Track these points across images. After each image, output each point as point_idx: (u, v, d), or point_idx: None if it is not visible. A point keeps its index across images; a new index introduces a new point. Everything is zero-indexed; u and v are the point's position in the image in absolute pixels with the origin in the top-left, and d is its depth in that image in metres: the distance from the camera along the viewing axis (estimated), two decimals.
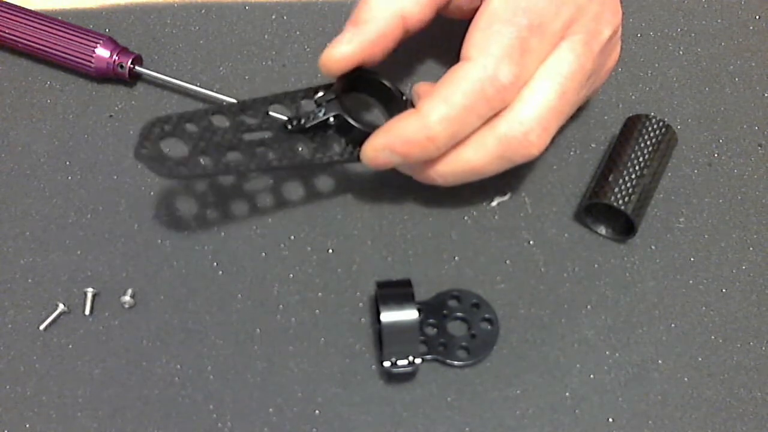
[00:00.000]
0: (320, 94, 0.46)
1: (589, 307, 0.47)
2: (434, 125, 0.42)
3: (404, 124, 0.43)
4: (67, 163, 0.51)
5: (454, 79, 0.42)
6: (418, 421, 0.44)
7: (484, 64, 0.42)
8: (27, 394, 0.44)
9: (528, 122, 0.43)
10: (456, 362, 0.45)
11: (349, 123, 0.45)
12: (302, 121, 0.45)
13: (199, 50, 0.55)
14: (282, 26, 0.56)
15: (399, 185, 0.50)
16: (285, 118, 0.45)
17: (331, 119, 0.45)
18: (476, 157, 0.44)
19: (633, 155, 0.48)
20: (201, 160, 0.43)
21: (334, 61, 0.44)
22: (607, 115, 0.53)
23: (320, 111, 0.45)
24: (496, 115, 0.43)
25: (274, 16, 0.57)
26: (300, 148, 0.45)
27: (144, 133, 0.41)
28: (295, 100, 0.46)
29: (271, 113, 0.46)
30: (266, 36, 0.56)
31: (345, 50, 0.44)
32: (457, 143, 0.44)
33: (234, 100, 0.50)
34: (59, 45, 0.52)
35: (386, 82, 0.47)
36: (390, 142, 0.43)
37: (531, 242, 0.49)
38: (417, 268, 0.48)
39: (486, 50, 0.42)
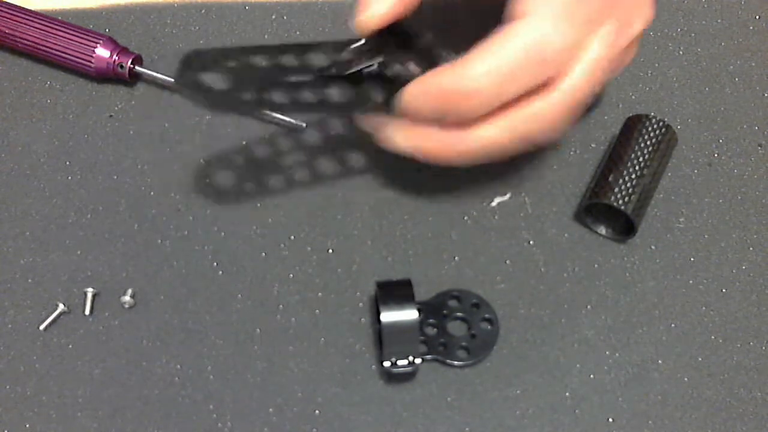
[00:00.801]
0: (360, 42, 0.44)
1: (589, 307, 0.47)
2: (479, 77, 0.39)
3: (448, 73, 0.41)
4: (67, 163, 0.51)
5: (505, 35, 0.40)
6: (418, 421, 0.44)
7: (543, 19, 0.39)
8: (27, 394, 0.44)
9: (559, 104, 0.41)
10: (456, 362, 0.45)
11: (389, 72, 0.43)
12: (341, 68, 0.43)
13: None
14: (282, 26, 0.56)
15: (399, 185, 0.50)
16: (323, 64, 0.44)
17: (374, 66, 0.43)
18: (500, 134, 0.42)
19: (633, 155, 0.48)
20: (242, 95, 0.42)
21: (369, 22, 0.42)
22: (607, 115, 0.53)
23: (360, 60, 0.43)
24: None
25: (274, 16, 0.57)
26: (337, 95, 0.44)
27: (185, 62, 0.40)
28: (335, 49, 0.44)
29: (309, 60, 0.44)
30: (266, 36, 0.56)
31: (379, 9, 0.42)
32: (507, 109, 0.41)
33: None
34: (59, 45, 0.52)
35: (423, 35, 0.44)
36: (428, 89, 0.41)
37: (531, 242, 0.49)
38: (417, 268, 0.48)
39: (542, 7, 0.40)
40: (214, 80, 0.41)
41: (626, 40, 0.44)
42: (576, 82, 0.42)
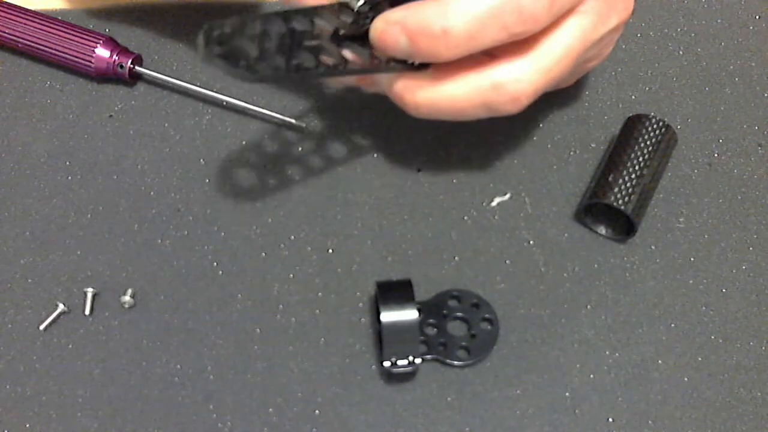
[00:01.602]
0: (358, 3, 0.42)
1: (589, 307, 0.47)
2: (454, 17, 0.39)
3: (425, 6, 0.40)
4: (67, 163, 0.51)
5: None
6: (418, 421, 0.44)
7: None
8: (27, 394, 0.44)
9: (527, 81, 0.41)
10: (456, 362, 0.45)
11: None
12: (354, 27, 0.42)
13: None
14: None
15: (399, 185, 0.50)
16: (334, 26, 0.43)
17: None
18: (463, 94, 0.42)
19: (633, 155, 0.48)
20: (273, 61, 0.40)
21: None
22: (607, 115, 0.53)
23: (367, 18, 0.42)
24: (495, 60, 0.41)
25: None
26: (352, 58, 0.42)
27: (207, 35, 0.39)
28: (339, 10, 0.43)
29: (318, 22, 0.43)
30: None
31: None
32: (447, 74, 0.41)
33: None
34: (59, 45, 0.52)
35: None
36: (404, 18, 0.40)
37: (531, 242, 0.49)
38: (417, 268, 0.48)
39: None
40: (239, 51, 0.40)
41: (601, 33, 0.44)
42: (547, 62, 0.42)
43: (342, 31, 0.42)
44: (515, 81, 0.42)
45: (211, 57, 0.39)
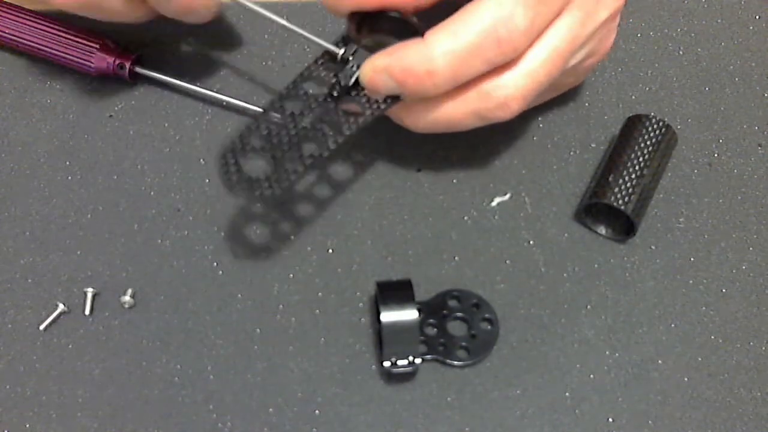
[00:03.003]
0: (341, 51, 0.44)
1: (589, 307, 0.47)
2: (437, 58, 0.40)
3: (407, 50, 0.41)
4: (67, 163, 0.51)
5: (465, 14, 0.40)
6: (418, 421, 0.44)
7: (500, 2, 0.40)
8: (27, 394, 0.44)
9: (513, 86, 0.42)
10: (456, 362, 0.45)
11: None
12: (342, 84, 0.43)
13: (199, 50, 0.55)
14: (282, 26, 0.56)
15: (399, 185, 0.50)
16: (324, 90, 0.44)
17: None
18: (453, 108, 0.43)
19: (633, 155, 0.48)
20: (286, 168, 0.42)
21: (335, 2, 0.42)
22: (607, 115, 0.53)
23: (352, 66, 0.43)
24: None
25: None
26: (353, 109, 0.43)
27: (224, 166, 0.41)
28: (323, 68, 0.44)
29: (309, 91, 0.44)
30: (266, 36, 0.56)
31: None
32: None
33: (243, 103, 0.51)
34: (59, 45, 0.52)
35: (401, 17, 0.43)
36: (390, 65, 0.41)
37: (531, 242, 0.49)
38: (417, 268, 0.48)
39: None
40: (253, 169, 0.42)
41: (591, 28, 0.44)
42: (533, 66, 0.42)
43: (335, 91, 0.43)
44: (500, 87, 0.42)
45: (234, 190, 0.40)
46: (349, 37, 0.44)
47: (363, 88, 0.43)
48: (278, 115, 0.43)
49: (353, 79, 0.43)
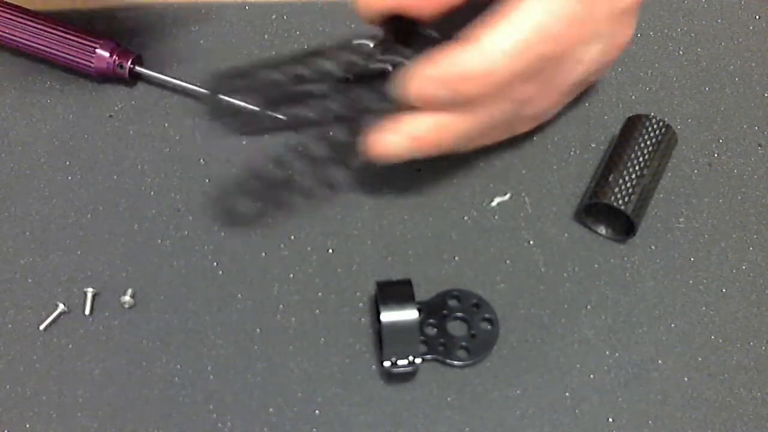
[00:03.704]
0: (372, 44, 0.43)
1: (589, 307, 0.47)
2: (495, 55, 0.39)
3: (461, 55, 0.40)
4: (67, 163, 0.51)
5: (514, 11, 0.40)
6: (418, 421, 0.44)
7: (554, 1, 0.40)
8: (27, 394, 0.44)
9: (557, 96, 0.42)
10: (456, 362, 0.45)
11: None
12: (361, 72, 0.43)
13: (199, 50, 0.55)
14: (282, 26, 0.56)
15: (399, 185, 0.50)
16: (340, 69, 0.44)
17: (391, 67, 0.42)
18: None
19: (633, 155, 0.48)
20: (271, 113, 0.42)
21: (369, 3, 0.42)
22: (607, 115, 0.53)
23: (379, 60, 0.43)
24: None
25: (274, 16, 0.57)
26: (361, 99, 0.43)
27: (212, 87, 0.42)
28: (348, 52, 0.44)
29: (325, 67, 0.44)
30: (266, 36, 0.56)
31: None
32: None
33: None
34: (59, 45, 0.52)
35: (434, 34, 0.43)
36: (444, 73, 0.40)
37: (531, 242, 0.49)
38: (417, 268, 0.48)
39: None
40: (241, 101, 0.42)
41: (605, 62, 0.45)
42: (575, 78, 0.43)
43: (350, 76, 0.43)
44: (546, 98, 0.43)
45: (213, 111, 0.40)
46: (383, 40, 0.43)
47: (376, 83, 0.42)
48: (283, 69, 0.43)
49: (373, 72, 0.43)
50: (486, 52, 0.40)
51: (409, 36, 0.43)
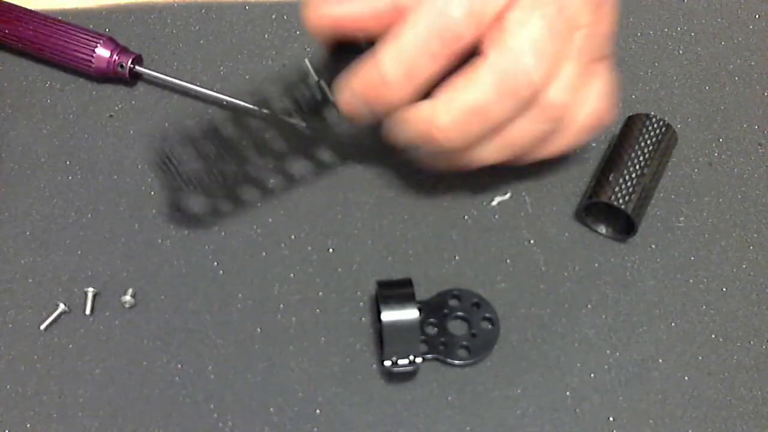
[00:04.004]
0: (312, 76, 0.45)
1: (589, 306, 0.47)
2: (385, 64, 0.41)
3: (361, 65, 0.43)
4: (67, 163, 0.51)
5: (405, 17, 0.41)
6: (418, 420, 0.44)
7: (433, 1, 0.41)
8: (27, 393, 0.44)
9: (518, 46, 0.41)
10: (456, 361, 0.45)
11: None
12: (307, 104, 0.45)
13: (199, 50, 0.55)
14: (282, 26, 0.56)
15: (399, 185, 0.50)
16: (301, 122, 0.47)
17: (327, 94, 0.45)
18: (473, 95, 0.41)
19: (633, 155, 0.48)
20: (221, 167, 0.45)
21: (315, 16, 0.43)
22: None
23: (320, 89, 0.45)
24: (483, 48, 0.42)
25: (274, 16, 0.57)
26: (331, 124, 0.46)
27: (160, 153, 0.44)
28: (299, 87, 0.46)
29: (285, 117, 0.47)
30: (266, 36, 0.56)
31: (332, 11, 0.43)
32: (444, 88, 0.42)
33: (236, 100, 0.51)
34: (59, 45, 0.52)
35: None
36: (351, 84, 0.43)
37: (531, 241, 0.49)
38: (417, 268, 0.48)
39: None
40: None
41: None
42: (533, 24, 0.41)
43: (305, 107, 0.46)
44: (510, 52, 0.41)
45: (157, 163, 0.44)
46: (324, 61, 0.45)
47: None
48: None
49: (315, 101, 0.46)
50: (376, 59, 0.42)
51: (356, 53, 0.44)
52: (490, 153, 0.44)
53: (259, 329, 0.46)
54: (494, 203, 0.50)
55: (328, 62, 0.45)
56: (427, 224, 0.49)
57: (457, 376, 0.45)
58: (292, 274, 0.48)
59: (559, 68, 0.42)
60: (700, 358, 0.46)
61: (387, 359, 0.43)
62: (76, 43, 0.52)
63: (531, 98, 0.42)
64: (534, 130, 0.44)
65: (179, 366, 0.45)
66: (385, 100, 0.43)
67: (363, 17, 0.42)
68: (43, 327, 0.46)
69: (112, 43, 0.52)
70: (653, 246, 0.49)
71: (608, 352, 0.46)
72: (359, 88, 0.43)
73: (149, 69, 0.53)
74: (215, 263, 0.48)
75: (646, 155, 0.48)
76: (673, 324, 0.47)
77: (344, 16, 0.43)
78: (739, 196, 0.51)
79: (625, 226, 0.49)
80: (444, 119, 0.42)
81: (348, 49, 0.44)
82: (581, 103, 0.44)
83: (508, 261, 0.48)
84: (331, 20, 0.43)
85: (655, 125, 0.49)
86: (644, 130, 0.48)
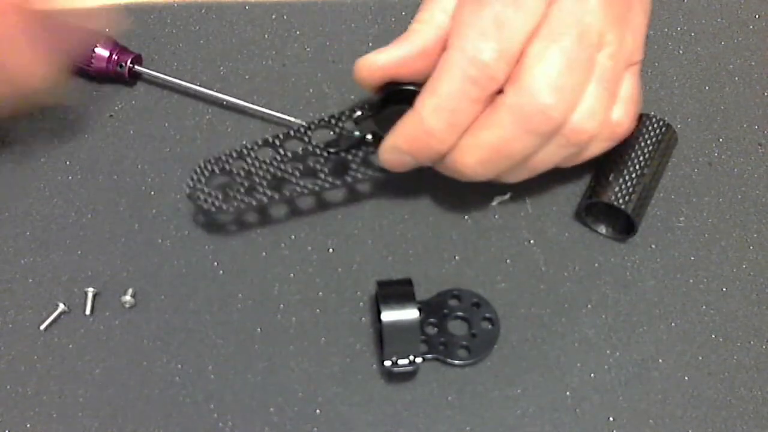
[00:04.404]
0: (358, 113, 0.46)
1: (589, 306, 0.47)
2: (427, 118, 0.42)
3: (404, 121, 0.43)
4: (67, 163, 0.51)
5: (439, 69, 0.42)
6: (418, 420, 0.44)
7: (462, 47, 0.41)
8: (28, 393, 0.44)
9: (536, 85, 0.41)
10: (456, 361, 0.45)
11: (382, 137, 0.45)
12: (341, 142, 0.46)
13: (199, 50, 0.55)
14: (282, 26, 0.56)
15: (399, 185, 0.50)
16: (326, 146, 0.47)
17: (369, 137, 0.46)
18: (495, 134, 0.42)
19: (633, 155, 0.48)
20: (253, 196, 0.45)
21: (366, 69, 0.44)
22: None
23: (356, 130, 0.46)
24: (501, 91, 0.42)
25: (274, 16, 0.57)
26: (348, 167, 0.46)
27: (193, 177, 0.45)
28: (338, 122, 0.47)
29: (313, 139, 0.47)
30: (266, 36, 0.56)
31: (380, 60, 0.44)
32: (468, 130, 0.43)
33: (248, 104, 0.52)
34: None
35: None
36: (395, 141, 0.44)
37: (531, 241, 0.49)
38: (417, 268, 0.48)
39: (462, 34, 0.42)
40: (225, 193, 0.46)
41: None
42: (546, 60, 0.42)
43: (335, 145, 0.47)
44: (527, 91, 0.42)
45: (193, 199, 0.45)
46: (366, 108, 0.47)
47: (359, 152, 0.47)
48: (271, 149, 0.47)
49: (349, 143, 0.47)
50: (418, 114, 0.42)
51: (403, 96, 0.45)
52: (517, 177, 0.46)
53: (259, 329, 0.46)
54: (494, 203, 0.50)
55: (375, 106, 0.46)
56: (427, 224, 0.49)
57: (457, 376, 0.45)
58: (292, 274, 0.48)
59: (581, 96, 0.42)
60: (700, 358, 0.46)
61: (387, 359, 0.43)
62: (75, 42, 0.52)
63: (553, 131, 0.42)
64: (560, 154, 0.44)
65: (179, 366, 0.45)
66: (432, 151, 0.43)
67: (411, 58, 0.44)
68: (43, 327, 0.46)
69: (111, 42, 0.52)
70: (653, 246, 0.49)
71: (608, 352, 0.46)
72: (405, 145, 0.44)
73: (149, 69, 0.53)
74: (215, 263, 0.48)
75: (646, 155, 0.48)
76: (673, 324, 0.47)
77: (394, 61, 0.44)
78: (739, 196, 0.51)
79: (625, 226, 0.49)
80: (469, 160, 0.43)
81: (393, 90, 0.45)
82: (607, 121, 0.44)
83: (508, 261, 0.48)
84: (381, 69, 0.44)
85: (655, 125, 0.49)
86: (644, 130, 0.48)
